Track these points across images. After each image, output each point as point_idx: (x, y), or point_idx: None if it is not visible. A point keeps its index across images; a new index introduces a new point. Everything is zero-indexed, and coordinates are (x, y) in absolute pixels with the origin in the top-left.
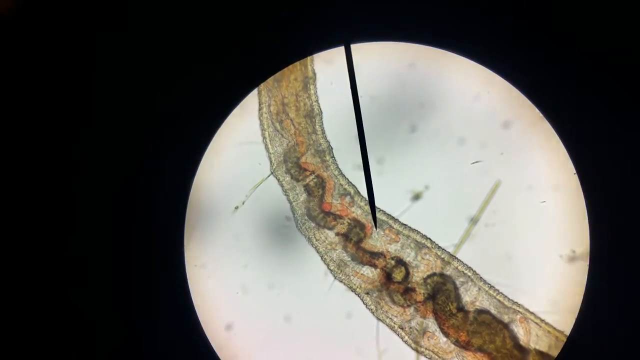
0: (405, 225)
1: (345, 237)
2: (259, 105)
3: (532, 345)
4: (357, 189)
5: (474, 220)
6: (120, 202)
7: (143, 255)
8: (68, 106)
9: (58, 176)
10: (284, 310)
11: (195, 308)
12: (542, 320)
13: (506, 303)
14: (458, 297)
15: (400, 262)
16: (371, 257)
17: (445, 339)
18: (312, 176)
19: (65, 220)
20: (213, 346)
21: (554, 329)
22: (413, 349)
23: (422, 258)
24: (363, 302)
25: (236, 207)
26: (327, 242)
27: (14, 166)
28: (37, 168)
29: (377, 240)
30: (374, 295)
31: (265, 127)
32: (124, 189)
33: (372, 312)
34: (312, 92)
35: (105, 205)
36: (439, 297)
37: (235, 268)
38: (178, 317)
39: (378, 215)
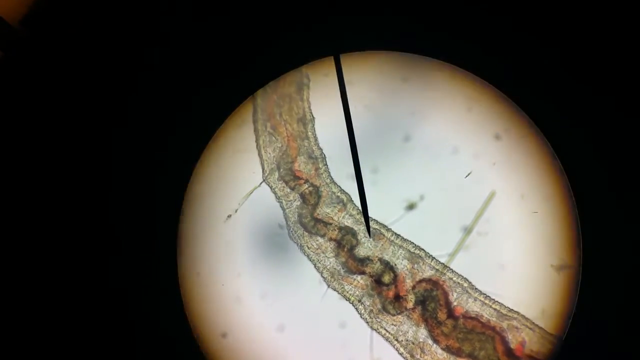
0: (398, 235)
1: (338, 244)
2: (254, 109)
3: (523, 352)
4: (350, 196)
5: (468, 230)
6: (113, 209)
7: (136, 262)
8: (57, 112)
9: (50, 181)
10: (277, 320)
11: (189, 317)
12: (534, 327)
13: (497, 311)
14: (449, 304)
15: (388, 266)
16: (361, 265)
17: (439, 350)
18: (307, 185)
19: (60, 226)
20: (206, 355)
21: (546, 335)
22: None
23: (415, 267)
24: (357, 311)
25: (229, 216)
26: (319, 250)
27: (13, 168)
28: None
29: (369, 249)
30: (367, 303)
31: (260, 132)
32: (118, 195)
33: (366, 322)
34: (305, 96)
35: (98, 211)
36: (429, 304)
37: (228, 277)
38: (172, 326)
39: (371, 224)
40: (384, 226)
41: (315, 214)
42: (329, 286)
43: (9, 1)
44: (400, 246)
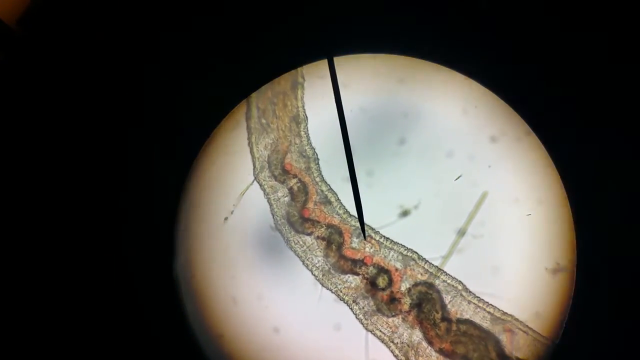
0: (389, 238)
1: (326, 244)
2: (247, 106)
3: (516, 355)
4: (337, 196)
5: (461, 232)
6: (110, 210)
7: (132, 264)
8: (53, 112)
9: (47, 182)
10: (273, 322)
11: (188, 318)
12: (528, 330)
13: (491, 313)
14: (443, 307)
15: (382, 269)
16: (353, 266)
17: (433, 352)
18: (295, 180)
19: (56, 228)
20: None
21: (539, 338)
22: None
23: (407, 269)
24: (352, 312)
25: (225, 218)
26: (307, 248)
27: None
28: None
29: (359, 249)
30: (362, 304)
31: (253, 129)
32: (114, 196)
33: (361, 323)
34: (299, 95)
35: (95, 212)
36: (425, 307)
37: (224, 279)
38: (168, 327)
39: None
40: (378, 229)
41: (303, 212)
42: (322, 285)
43: (6, 1)
44: (393, 249)
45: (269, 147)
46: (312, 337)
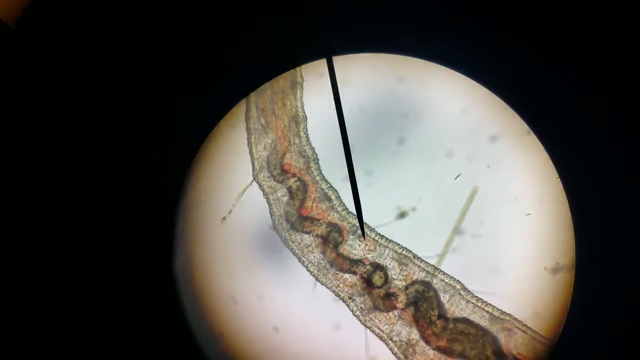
0: (387, 237)
1: (324, 242)
2: (247, 106)
3: (514, 352)
4: (337, 194)
5: (455, 229)
6: (109, 209)
7: (133, 264)
8: (52, 112)
9: (45, 181)
10: (273, 321)
11: (188, 318)
12: (526, 329)
13: (490, 313)
14: (440, 305)
15: (379, 267)
16: (350, 265)
17: (430, 350)
18: (294, 179)
19: (54, 227)
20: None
21: (538, 337)
22: None
23: (404, 268)
24: (350, 309)
25: (223, 218)
26: (302, 244)
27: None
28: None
29: (356, 248)
30: (358, 301)
31: (252, 130)
32: (113, 195)
33: (359, 319)
34: (299, 95)
35: (94, 211)
36: (421, 305)
37: (224, 278)
38: (170, 327)
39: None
40: (375, 227)
41: (302, 211)
42: (317, 280)
43: (6, 1)
44: (391, 248)
45: (268, 147)
46: (312, 336)
